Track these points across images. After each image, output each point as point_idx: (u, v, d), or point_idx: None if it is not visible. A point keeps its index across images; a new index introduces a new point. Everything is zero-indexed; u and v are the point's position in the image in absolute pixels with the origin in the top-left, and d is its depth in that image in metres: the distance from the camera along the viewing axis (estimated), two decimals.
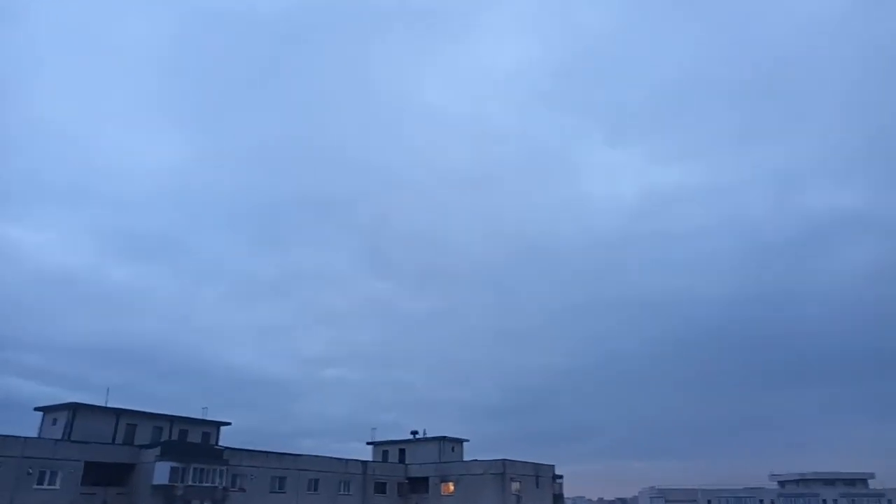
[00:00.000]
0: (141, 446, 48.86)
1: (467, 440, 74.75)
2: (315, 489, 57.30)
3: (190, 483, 45.97)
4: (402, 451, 73.08)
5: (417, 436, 73.42)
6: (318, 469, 58.26)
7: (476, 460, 66.28)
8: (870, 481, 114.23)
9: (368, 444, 75.59)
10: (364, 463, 64.05)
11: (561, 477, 73.67)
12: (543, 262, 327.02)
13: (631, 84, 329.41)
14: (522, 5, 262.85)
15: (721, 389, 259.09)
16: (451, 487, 63.98)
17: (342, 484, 59.96)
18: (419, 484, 66.09)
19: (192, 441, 54.68)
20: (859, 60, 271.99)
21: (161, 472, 44.97)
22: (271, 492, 53.72)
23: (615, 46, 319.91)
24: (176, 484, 45.02)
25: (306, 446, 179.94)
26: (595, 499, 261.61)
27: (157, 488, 44.84)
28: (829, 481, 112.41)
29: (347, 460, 61.88)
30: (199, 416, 57.58)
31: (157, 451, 46.40)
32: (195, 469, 46.58)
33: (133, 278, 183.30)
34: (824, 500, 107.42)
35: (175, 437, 53.88)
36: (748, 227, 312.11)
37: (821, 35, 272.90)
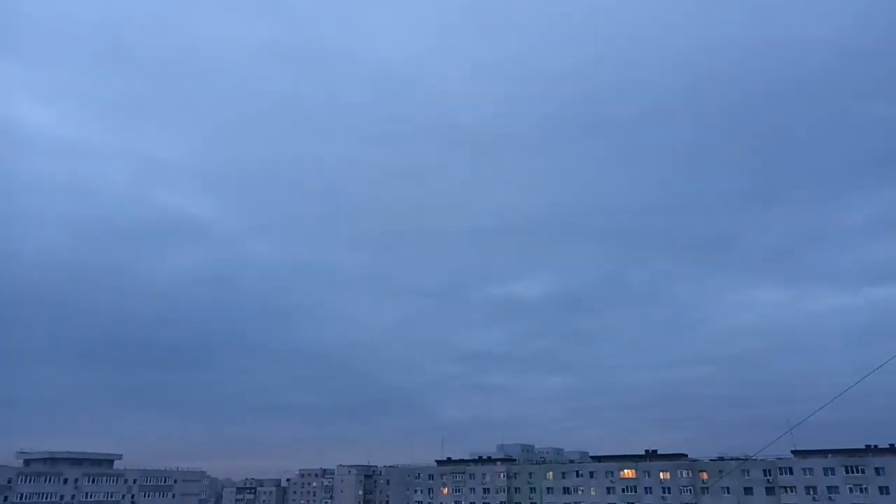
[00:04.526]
0: None
1: None
2: None
3: None
4: None
5: None
6: None
7: None
8: (116, 462, 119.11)
9: None
10: None
11: None
12: None
13: None
14: None
15: None
16: None
17: None
18: None
19: None
20: None
21: None
22: None
23: None
24: None
25: None
26: None
27: None
28: (77, 461, 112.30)
29: None
30: None
31: None
32: None
33: None
34: (66, 480, 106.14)
35: None
36: (103, 206, 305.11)
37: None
